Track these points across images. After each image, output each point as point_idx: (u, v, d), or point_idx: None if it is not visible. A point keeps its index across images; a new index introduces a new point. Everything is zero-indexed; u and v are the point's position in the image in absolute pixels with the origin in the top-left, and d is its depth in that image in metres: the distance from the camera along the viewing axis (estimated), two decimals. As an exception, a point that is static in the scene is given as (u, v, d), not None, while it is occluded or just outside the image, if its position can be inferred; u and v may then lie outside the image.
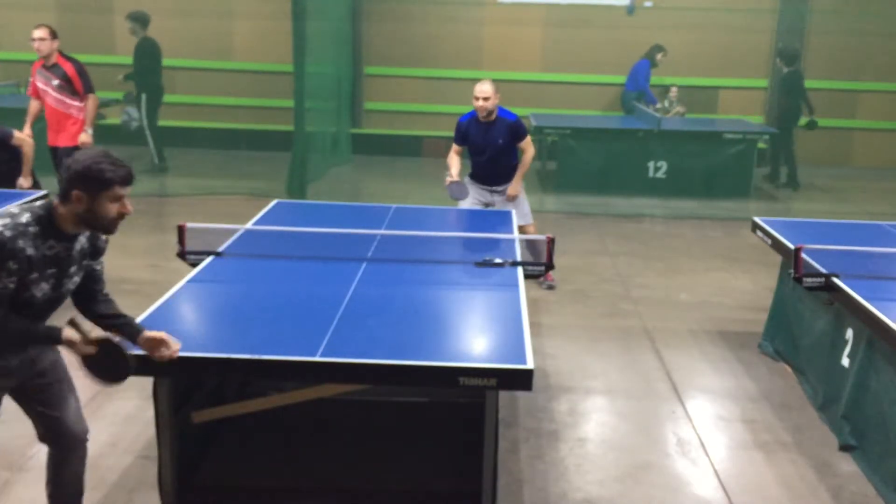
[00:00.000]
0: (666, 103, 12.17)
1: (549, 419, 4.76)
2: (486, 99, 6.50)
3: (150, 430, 3.81)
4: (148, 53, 11.01)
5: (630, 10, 12.57)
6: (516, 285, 4.08)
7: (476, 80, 6.67)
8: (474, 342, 3.57)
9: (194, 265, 4.36)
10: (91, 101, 7.51)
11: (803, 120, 11.04)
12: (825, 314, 5.01)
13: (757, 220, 5.89)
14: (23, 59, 12.06)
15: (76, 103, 7.48)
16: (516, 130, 6.68)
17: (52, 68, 7.43)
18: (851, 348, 4.60)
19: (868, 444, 4.33)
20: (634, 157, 10.78)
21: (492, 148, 6.68)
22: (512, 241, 4.87)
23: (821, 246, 4.95)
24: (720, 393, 5.21)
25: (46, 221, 2.84)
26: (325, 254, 4.50)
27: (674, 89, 12.19)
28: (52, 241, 2.85)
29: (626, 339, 6.01)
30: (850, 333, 4.64)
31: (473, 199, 6.80)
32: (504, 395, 4.71)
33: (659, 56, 12.04)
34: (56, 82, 7.43)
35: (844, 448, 4.48)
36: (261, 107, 12.72)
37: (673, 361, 5.64)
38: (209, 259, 4.39)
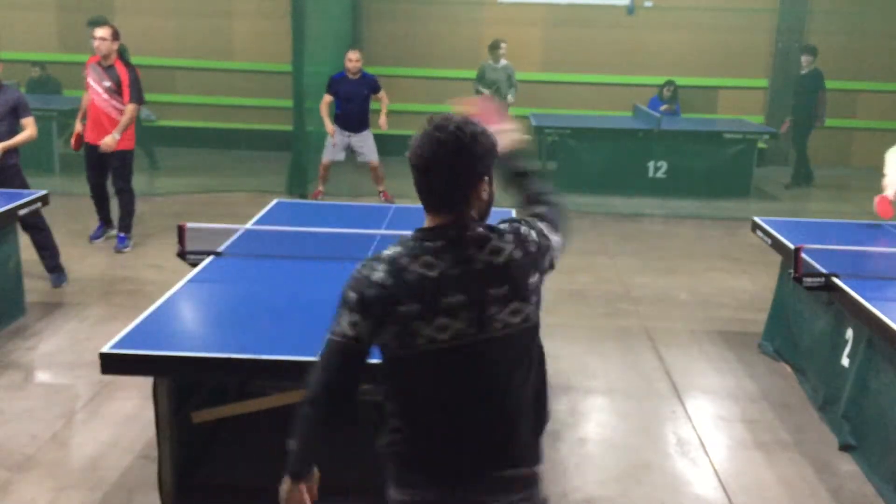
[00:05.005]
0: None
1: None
2: (356, 61, 9.17)
3: (150, 430, 3.81)
4: None
5: (630, 10, 12.57)
6: (516, 285, 4.07)
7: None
8: (474, 342, 3.56)
9: (194, 265, 4.36)
10: (130, 110, 7.32)
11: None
12: (825, 314, 5.01)
13: (757, 219, 5.88)
14: (23, 59, 12.08)
15: (122, 107, 7.35)
16: (374, 85, 9.35)
17: (107, 69, 7.35)
18: (851, 348, 4.60)
19: (868, 444, 4.34)
20: (634, 157, 10.77)
21: (357, 98, 9.23)
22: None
23: (821, 246, 4.95)
24: (720, 393, 5.22)
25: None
26: (325, 254, 4.50)
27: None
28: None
29: (626, 339, 6.01)
30: (850, 333, 4.64)
31: (340, 144, 9.29)
32: (504, 395, 4.71)
33: (665, 91, 12.08)
34: (107, 84, 7.33)
35: (844, 448, 4.48)
36: (261, 107, 12.72)
37: (673, 361, 5.64)
38: (209, 259, 4.39)
